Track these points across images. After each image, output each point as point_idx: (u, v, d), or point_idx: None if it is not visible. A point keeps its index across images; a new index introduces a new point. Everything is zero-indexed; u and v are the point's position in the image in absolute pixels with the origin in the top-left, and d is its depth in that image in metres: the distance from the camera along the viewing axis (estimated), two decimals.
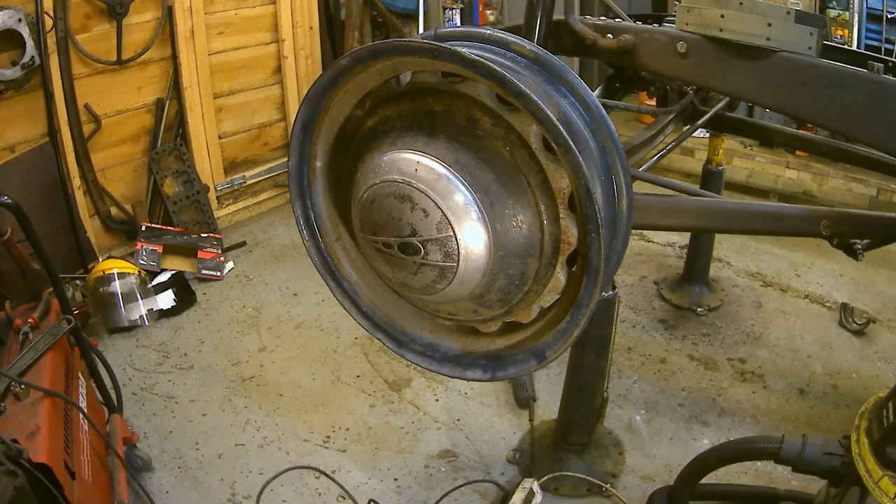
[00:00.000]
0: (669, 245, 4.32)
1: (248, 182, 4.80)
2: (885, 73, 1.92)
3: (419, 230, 1.56)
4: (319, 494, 2.61)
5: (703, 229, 3.41)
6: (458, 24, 5.48)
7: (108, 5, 3.74)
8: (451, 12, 5.48)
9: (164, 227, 4.16)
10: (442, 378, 3.15)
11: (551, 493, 2.52)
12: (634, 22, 2.34)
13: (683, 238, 4.15)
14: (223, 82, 4.49)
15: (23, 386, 1.96)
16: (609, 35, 2.20)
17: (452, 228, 1.54)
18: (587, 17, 2.36)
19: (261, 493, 2.60)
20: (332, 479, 2.65)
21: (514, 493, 2.36)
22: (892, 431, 1.57)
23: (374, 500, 2.52)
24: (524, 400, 2.97)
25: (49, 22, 3.48)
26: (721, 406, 2.96)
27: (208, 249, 4.11)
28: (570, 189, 1.50)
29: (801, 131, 3.75)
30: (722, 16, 1.92)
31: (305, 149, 1.84)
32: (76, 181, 3.84)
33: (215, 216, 4.50)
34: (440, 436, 2.87)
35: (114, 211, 4.14)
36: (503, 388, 3.10)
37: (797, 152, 4.69)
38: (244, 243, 4.46)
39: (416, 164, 1.55)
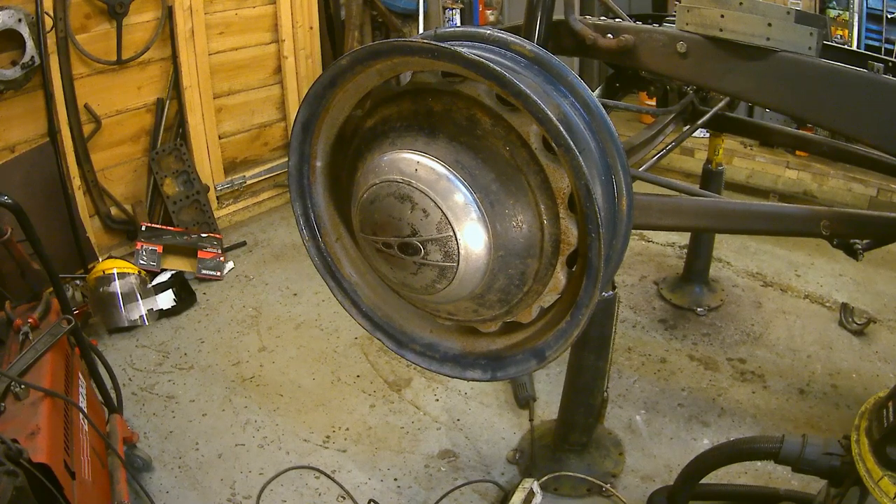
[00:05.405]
0: (669, 245, 4.32)
1: (248, 182, 4.80)
2: (885, 73, 1.92)
3: (419, 230, 1.56)
4: (319, 494, 2.61)
5: (703, 229, 3.41)
6: (458, 24, 5.48)
7: (108, 5, 3.74)
8: (451, 12, 5.47)
9: (164, 227, 4.16)
10: (442, 378, 3.15)
11: (551, 493, 2.52)
12: (634, 22, 2.34)
13: (683, 238, 4.15)
14: (223, 82, 4.49)
15: (23, 386, 1.96)
16: (609, 35, 2.21)
17: (452, 228, 1.54)
18: (587, 17, 2.36)
19: (261, 493, 2.60)
20: (332, 479, 2.65)
21: (514, 493, 2.36)
22: (892, 431, 1.57)
23: (374, 500, 2.52)
24: (524, 400, 2.97)
25: (49, 22, 3.48)
26: (721, 406, 2.96)
27: (208, 249, 4.11)
28: (570, 189, 1.50)
29: (801, 131, 3.75)
30: (722, 16, 1.92)
31: (305, 149, 1.84)
32: (76, 181, 3.84)
33: (215, 216, 4.50)
34: (440, 436, 2.87)
35: (114, 211, 4.14)
36: (503, 388, 3.10)
37: (797, 152, 4.69)
38: (244, 243, 4.46)
39: (416, 164, 1.55)
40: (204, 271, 4.05)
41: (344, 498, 2.59)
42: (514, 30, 2.05)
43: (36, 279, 2.51)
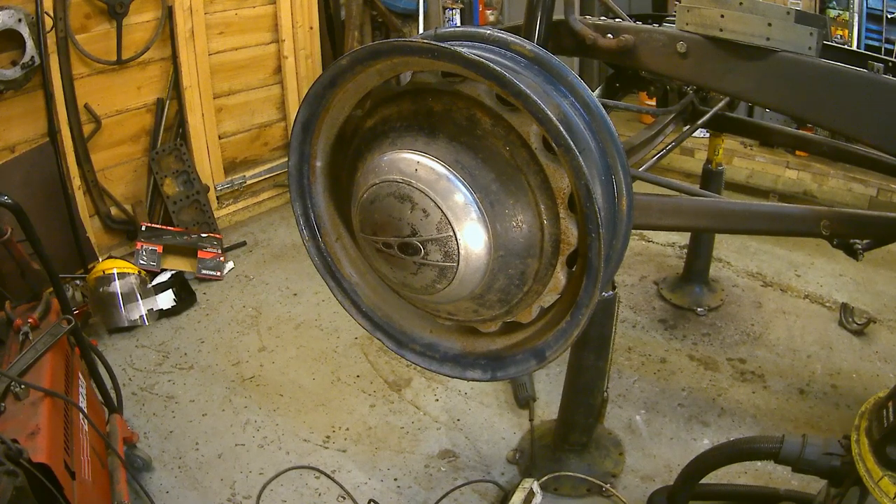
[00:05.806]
0: (669, 245, 4.32)
1: (248, 182, 4.80)
2: (885, 73, 1.92)
3: (419, 230, 1.56)
4: (319, 494, 2.61)
5: (703, 229, 3.41)
6: (458, 24, 5.48)
7: (108, 5, 3.74)
8: (451, 12, 5.48)
9: (164, 227, 4.16)
10: (442, 378, 3.15)
11: (551, 493, 2.52)
12: (634, 22, 2.34)
13: (683, 238, 4.15)
14: (223, 82, 4.49)
15: (23, 386, 1.96)
16: (609, 35, 2.21)
17: (452, 228, 1.54)
18: (587, 17, 2.36)
19: (261, 493, 2.60)
20: (332, 479, 2.65)
21: (514, 493, 2.36)
22: (892, 431, 1.57)
23: (374, 500, 2.52)
24: (524, 400, 2.97)
25: (49, 22, 3.48)
26: (721, 406, 2.96)
27: (208, 249, 4.11)
28: (570, 189, 1.50)
29: (801, 131, 3.75)
30: (722, 16, 1.92)
31: (305, 149, 1.84)
32: (76, 181, 3.84)
33: (215, 216, 4.50)
34: (440, 436, 2.87)
35: (114, 211, 4.14)
36: (503, 388, 3.10)
37: (797, 152, 4.69)
38: (244, 243, 4.46)
39: (416, 164, 1.55)
40: (204, 271, 4.05)
41: (344, 498, 2.59)
42: (514, 30, 2.05)
43: (36, 279, 2.51)
